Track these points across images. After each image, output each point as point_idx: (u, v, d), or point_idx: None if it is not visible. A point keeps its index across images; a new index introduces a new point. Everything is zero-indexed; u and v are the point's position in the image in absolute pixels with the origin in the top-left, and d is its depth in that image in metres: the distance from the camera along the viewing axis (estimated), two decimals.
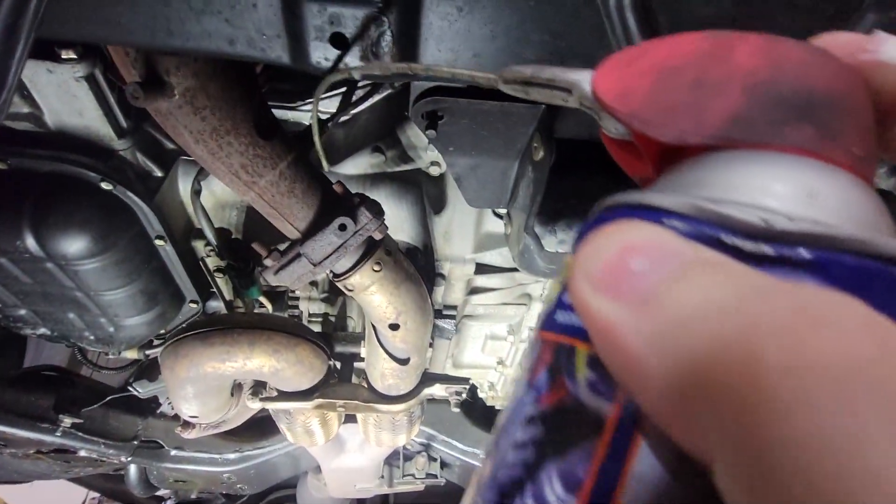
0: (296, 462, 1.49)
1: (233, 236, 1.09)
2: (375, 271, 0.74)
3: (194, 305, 1.13)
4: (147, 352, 1.24)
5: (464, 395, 1.05)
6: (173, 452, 1.30)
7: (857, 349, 0.09)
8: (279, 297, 1.25)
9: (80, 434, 1.12)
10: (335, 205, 0.70)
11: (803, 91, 0.14)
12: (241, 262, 1.06)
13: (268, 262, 0.71)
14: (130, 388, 1.21)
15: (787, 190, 0.14)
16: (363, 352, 0.95)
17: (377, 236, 0.71)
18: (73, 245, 0.81)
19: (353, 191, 0.72)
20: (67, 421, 1.08)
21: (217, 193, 1.00)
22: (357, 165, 0.96)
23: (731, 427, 0.09)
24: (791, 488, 0.08)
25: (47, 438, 1.08)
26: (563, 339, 0.15)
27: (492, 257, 1.00)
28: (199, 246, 1.05)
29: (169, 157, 0.93)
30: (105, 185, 0.82)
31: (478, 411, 1.64)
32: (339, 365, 1.05)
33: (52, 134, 0.79)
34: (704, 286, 0.11)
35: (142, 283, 0.95)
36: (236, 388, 1.09)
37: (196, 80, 0.60)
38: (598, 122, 0.20)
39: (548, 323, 0.16)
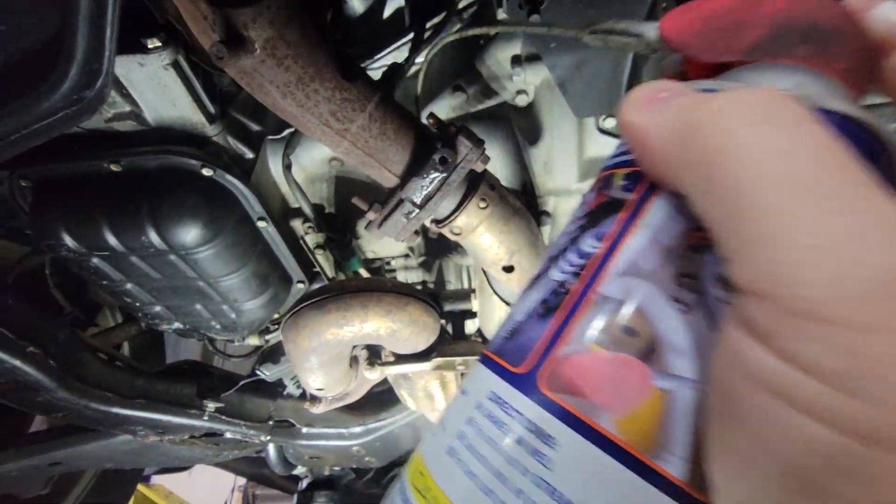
0: (416, 432, 1.51)
1: (326, 211, 1.09)
2: (482, 208, 0.68)
3: (301, 286, 1.15)
4: (267, 337, 1.31)
5: None
6: (304, 430, 1.37)
7: (760, 122, 0.16)
8: (377, 269, 1.25)
9: (223, 417, 1.21)
10: (431, 140, 0.65)
11: (810, 24, 0.21)
12: (339, 235, 1.06)
13: (370, 215, 0.68)
14: (258, 372, 1.28)
15: (782, 83, 0.21)
16: (475, 305, 0.90)
17: (479, 168, 0.65)
18: (189, 234, 0.85)
19: None
20: (211, 405, 1.17)
21: (306, 168, 1.00)
22: (438, 111, 0.90)
23: (696, 164, 0.17)
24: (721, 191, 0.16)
25: (197, 423, 1.17)
26: (606, 172, 0.23)
27: None
28: (296, 225, 1.07)
29: (257, 138, 0.94)
30: (206, 171, 0.84)
31: None
32: (450, 327, 1.02)
33: (152, 130, 0.83)
34: (696, 100, 0.18)
35: (252, 266, 0.98)
36: (353, 360, 1.11)
37: (273, 29, 0.57)
38: (661, 62, 0.27)
39: (601, 170, 0.24)
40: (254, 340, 1.29)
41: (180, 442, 1.30)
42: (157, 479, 3.29)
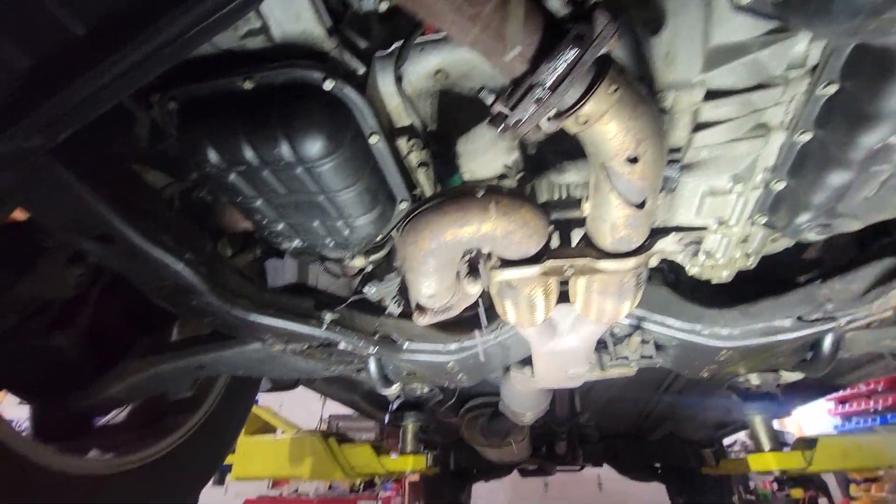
0: (506, 352, 1.58)
1: (428, 129, 1.12)
2: (611, 94, 0.67)
3: (404, 205, 1.21)
4: (371, 258, 1.40)
5: (700, 246, 0.94)
6: (406, 345, 1.48)
7: None
8: None
9: (338, 328, 1.33)
10: (559, 23, 0.64)
11: None
12: (443, 149, 1.09)
13: (497, 107, 0.69)
14: (364, 291, 1.39)
15: None
16: (586, 208, 0.90)
17: (612, 47, 0.63)
18: (315, 146, 0.91)
19: None
20: (328, 316, 1.30)
21: (412, 82, 1.02)
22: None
23: None
24: None
25: (316, 332, 1.31)
26: None
27: (722, 77, 0.85)
28: (401, 143, 1.11)
29: (366, 54, 0.97)
30: (327, 85, 0.89)
31: (686, 288, 1.51)
32: (556, 236, 1.04)
33: (278, 46, 0.88)
34: None
35: (365, 181, 1.04)
36: (456, 275, 1.16)
37: None
38: None
39: None
40: (359, 262, 1.39)
41: (300, 352, 1.46)
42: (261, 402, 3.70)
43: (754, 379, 1.82)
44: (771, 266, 1.41)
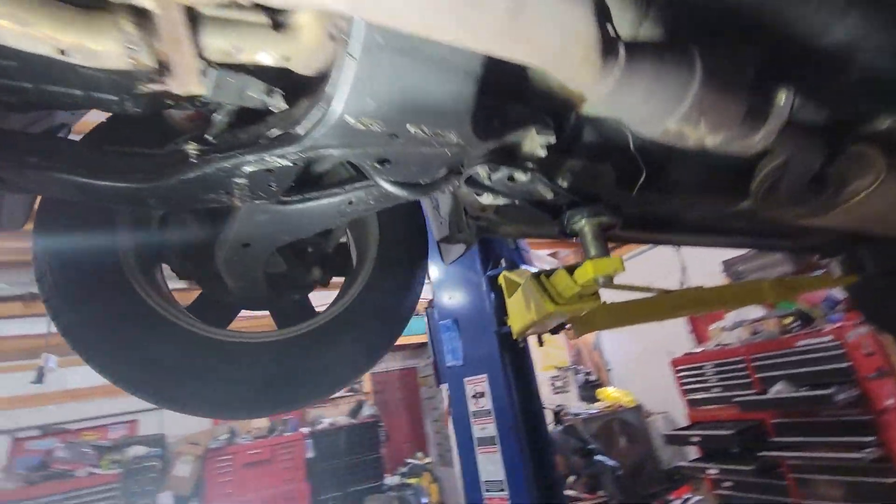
0: None
1: None
2: None
3: None
4: None
5: None
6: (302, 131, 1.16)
7: None
8: None
9: (217, 155, 1.22)
10: None
11: None
12: None
13: None
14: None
15: None
16: None
17: None
18: None
19: None
20: (192, 148, 1.21)
21: None
22: None
23: None
24: None
25: (206, 170, 1.24)
26: None
27: None
28: None
29: None
30: None
31: None
32: None
33: None
34: None
35: None
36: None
37: None
38: None
39: None
40: None
41: (298, 202, 1.39)
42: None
43: None
44: None
